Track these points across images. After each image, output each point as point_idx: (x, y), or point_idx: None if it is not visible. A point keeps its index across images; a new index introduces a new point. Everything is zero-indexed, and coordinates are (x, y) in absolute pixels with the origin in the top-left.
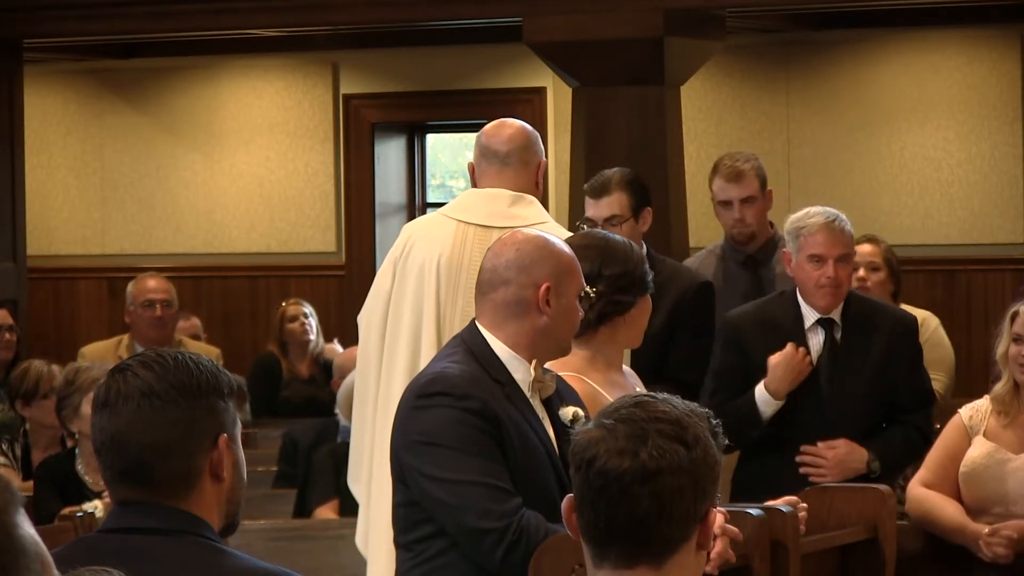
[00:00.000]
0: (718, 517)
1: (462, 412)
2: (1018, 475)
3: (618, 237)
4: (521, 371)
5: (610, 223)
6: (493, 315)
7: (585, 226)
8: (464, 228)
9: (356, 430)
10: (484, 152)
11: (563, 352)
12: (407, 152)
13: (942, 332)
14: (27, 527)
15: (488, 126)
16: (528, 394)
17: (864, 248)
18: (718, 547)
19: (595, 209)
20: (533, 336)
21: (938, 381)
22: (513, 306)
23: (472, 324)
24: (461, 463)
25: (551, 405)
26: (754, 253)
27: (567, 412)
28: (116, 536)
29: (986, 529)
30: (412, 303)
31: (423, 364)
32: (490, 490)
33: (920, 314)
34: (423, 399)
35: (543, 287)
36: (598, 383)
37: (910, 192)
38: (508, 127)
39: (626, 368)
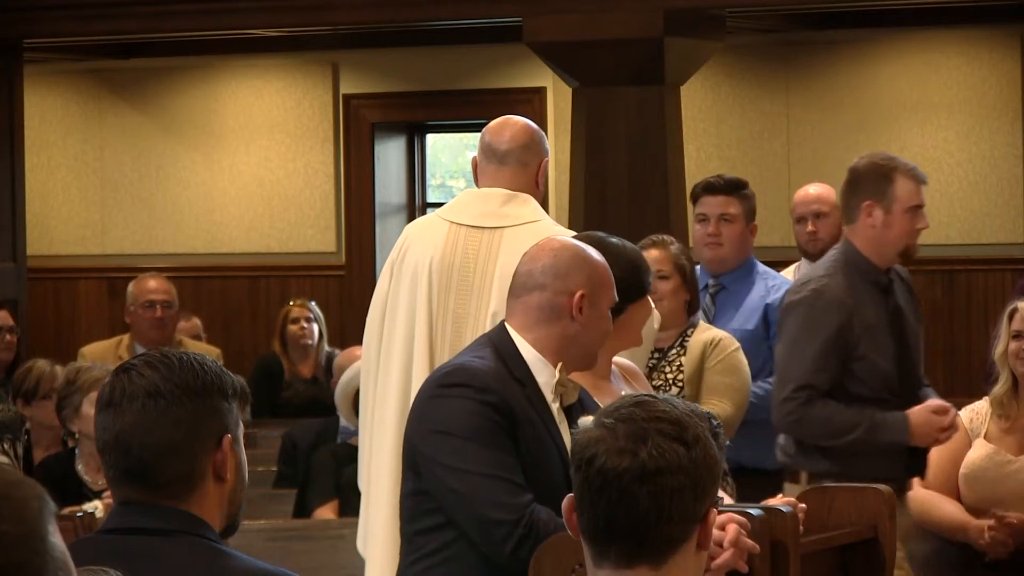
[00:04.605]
0: (733, 528)
1: (479, 404)
2: (1018, 477)
3: (615, 240)
4: (545, 374)
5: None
6: (524, 317)
7: None
8: (456, 229)
9: (361, 430)
10: (485, 150)
11: (589, 362)
12: (407, 152)
13: (740, 358)
14: (58, 536)
15: (492, 123)
16: (549, 398)
17: (649, 255)
18: (726, 557)
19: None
20: (561, 342)
21: (716, 406)
22: (546, 311)
23: (501, 325)
24: (476, 455)
25: (572, 413)
26: None
27: (586, 421)
28: (116, 536)
29: (990, 522)
30: (406, 305)
31: (417, 366)
32: (504, 483)
33: (716, 335)
34: (443, 388)
35: (577, 295)
36: (586, 387)
37: None
38: (511, 126)
39: (625, 362)
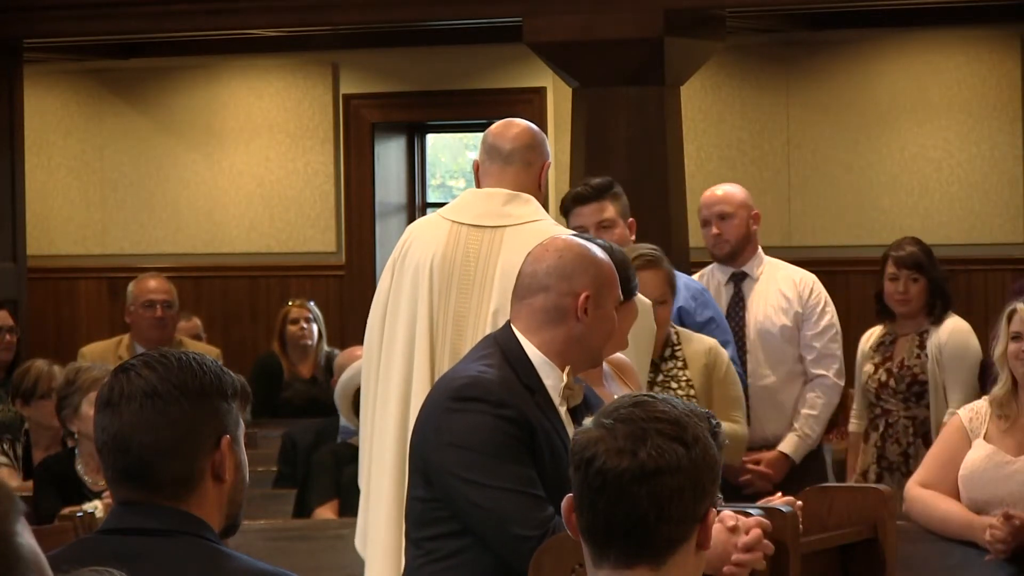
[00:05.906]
0: (756, 532)
1: (498, 420)
2: (1017, 478)
3: (600, 243)
4: (552, 377)
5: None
6: (529, 320)
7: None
8: (457, 228)
9: (362, 429)
10: (488, 150)
11: (595, 362)
12: (407, 152)
13: (735, 371)
14: (27, 536)
15: (495, 125)
16: (557, 402)
17: (644, 277)
18: (747, 557)
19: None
20: (567, 344)
21: (737, 423)
22: (551, 312)
23: (507, 326)
24: (498, 470)
25: (577, 414)
26: None
27: (588, 422)
28: (116, 537)
29: (995, 519)
30: (407, 304)
31: (418, 364)
32: (528, 498)
33: (707, 344)
34: (459, 402)
35: (583, 296)
36: None
37: (910, 192)
38: (515, 127)
39: (618, 357)
